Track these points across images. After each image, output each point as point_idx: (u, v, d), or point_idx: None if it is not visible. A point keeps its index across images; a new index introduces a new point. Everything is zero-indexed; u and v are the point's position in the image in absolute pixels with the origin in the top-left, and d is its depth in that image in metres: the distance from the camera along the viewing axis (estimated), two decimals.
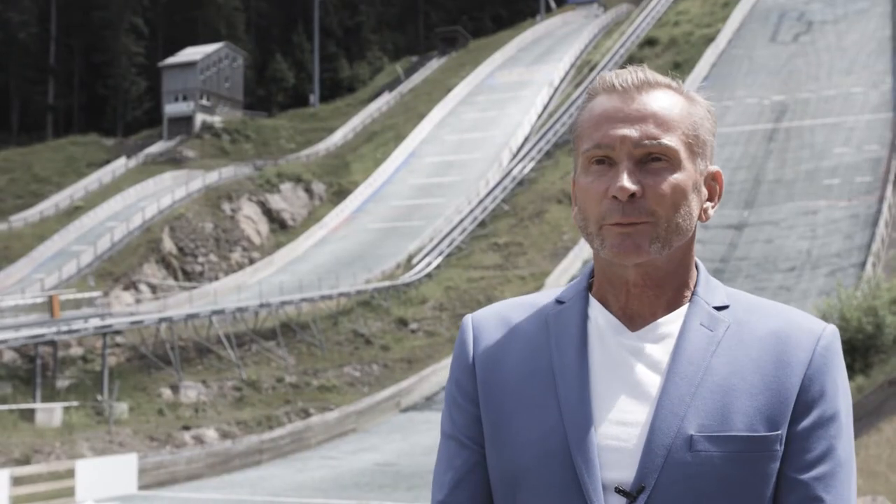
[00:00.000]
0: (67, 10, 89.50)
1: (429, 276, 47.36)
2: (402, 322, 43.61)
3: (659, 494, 1.43)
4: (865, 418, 17.85)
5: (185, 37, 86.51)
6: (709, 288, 1.57)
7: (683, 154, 1.51)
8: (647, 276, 1.52)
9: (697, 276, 1.59)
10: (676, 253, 1.53)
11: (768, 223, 44.21)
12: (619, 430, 1.48)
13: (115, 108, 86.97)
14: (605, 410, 1.49)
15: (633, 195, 1.47)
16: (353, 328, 42.94)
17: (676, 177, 1.49)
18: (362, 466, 27.16)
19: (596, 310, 1.57)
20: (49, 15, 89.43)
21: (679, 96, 1.55)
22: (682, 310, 1.54)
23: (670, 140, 1.49)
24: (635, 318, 1.54)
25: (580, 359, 1.52)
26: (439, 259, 48.90)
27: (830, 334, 1.52)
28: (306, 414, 34.82)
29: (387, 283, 46.09)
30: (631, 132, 1.49)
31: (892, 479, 12.22)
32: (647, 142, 1.48)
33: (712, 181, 1.58)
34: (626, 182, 1.46)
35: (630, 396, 1.49)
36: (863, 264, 37.46)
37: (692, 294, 1.56)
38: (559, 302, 1.60)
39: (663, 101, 1.52)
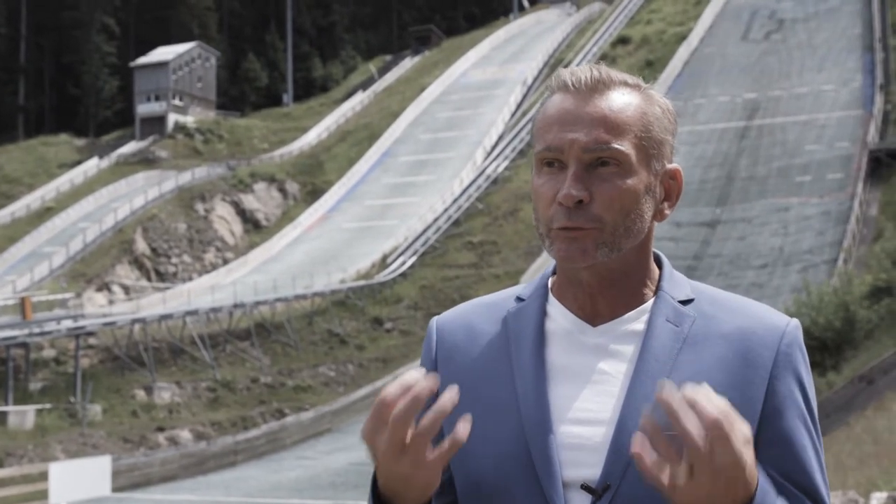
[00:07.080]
0: (37, 10, 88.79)
1: (403, 275, 47.33)
2: (378, 321, 43.58)
3: (624, 492, 1.42)
4: (835, 414, 17.99)
5: (157, 36, 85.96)
6: (673, 282, 1.55)
7: (635, 157, 1.48)
8: (601, 276, 1.50)
9: (661, 270, 1.57)
10: (630, 253, 1.51)
11: (741, 220, 44.45)
12: (582, 428, 1.46)
13: (87, 109, 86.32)
14: (565, 409, 1.47)
15: (580, 201, 1.45)
16: (328, 328, 42.86)
17: (627, 182, 1.47)
18: (338, 466, 27.15)
19: (555, 307, 1.56)
20: (19, 14, 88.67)
21: (634, 95, 1.51)
22: (646, 306, 1.53)
23: (621, 144, 1.47)
24: (596, 315, 1.52)
25: (537, 357, 1.51)
26: (414, 258, 48.88)
27: (794, 329, 1.51)
28: (281, 414, 34.74)
29: (362, 283, 46.05)
30: (580, 136, 1.46)
31: (862, 474, 12.31)
32: (596, 146, 1.46)
33: (671, 180, 1.54)
34: (572, 189, 1.44)
35: (593, 394, 1.48)
36: (835, 261, 37.73)
37: (657, 288, 1.54)
38: (520, 299, 1.59)
39: (616, 102, 1.49)
